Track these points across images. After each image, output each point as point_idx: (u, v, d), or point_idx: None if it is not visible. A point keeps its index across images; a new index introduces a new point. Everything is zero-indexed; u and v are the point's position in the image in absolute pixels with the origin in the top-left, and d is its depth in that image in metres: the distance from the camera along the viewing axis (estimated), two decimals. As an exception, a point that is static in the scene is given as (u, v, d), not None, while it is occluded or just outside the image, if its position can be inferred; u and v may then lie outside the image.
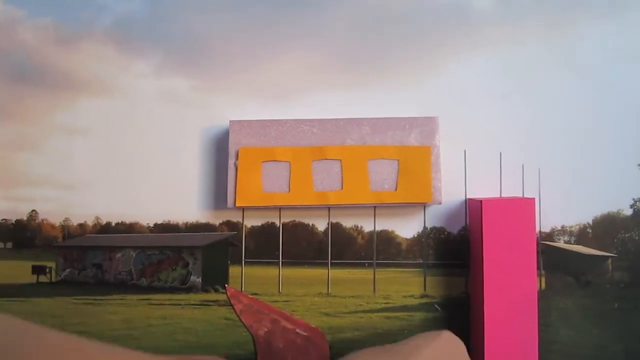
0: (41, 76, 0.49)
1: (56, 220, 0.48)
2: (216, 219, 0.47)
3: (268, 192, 0.44)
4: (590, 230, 0.45)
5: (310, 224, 0.46)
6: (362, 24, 0.47)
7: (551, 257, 0.45)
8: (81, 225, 0.48)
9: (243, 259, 0.46)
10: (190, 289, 0.47)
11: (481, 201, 0.40)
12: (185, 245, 0.47)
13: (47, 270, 0.48)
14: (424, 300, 0.45)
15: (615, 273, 0.45)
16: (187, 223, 0.47)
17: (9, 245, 0.49)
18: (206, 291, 0.47)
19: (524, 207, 0.40)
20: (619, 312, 0.44)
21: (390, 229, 0.46)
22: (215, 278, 0.47)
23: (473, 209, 0.43)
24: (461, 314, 0.45)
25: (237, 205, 0.43)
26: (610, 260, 0.45)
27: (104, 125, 0.48)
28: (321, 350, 0.40)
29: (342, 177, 0.43)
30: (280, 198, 0.43)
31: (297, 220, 0.46)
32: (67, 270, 0.48)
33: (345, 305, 0.46)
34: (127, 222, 0.47)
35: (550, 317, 0.44)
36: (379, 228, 0.46)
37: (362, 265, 0.46)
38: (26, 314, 0.47)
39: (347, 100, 0.47)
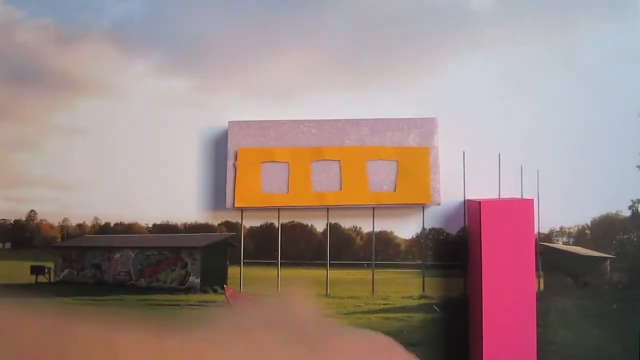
0: (40, 76, 0.48)
1: (55, 220, 0.48)
2: (215, 220, 0.47)
3: (267, 193, 0.44)
4: (589, 232, 0.45)
5: (309, 225, 0.46)
6: (361, 25, 0.47)
7: (550, 258, 0.45)
8: (80, 226, 0.48)
9: (242, 259, 0.46)
10: (189, 290, 0.47)
11: (480, 202, 0.40)
12: (184, 246, 0.47)
13: (46, 270, 0.48)
14: (422, 301, 0.45)
15: (614, 274, 0.45)
16: (185, 224, 0.47)
17: (8, 245, 0.49)
18: (205, 292, 0.47)
19: (522, 208, 0.40)
20: (618, 313, 0.44)
21: (389, 230, 0.46)
22: (214, 279, 0.47)
23: (472, 210, 0.43)
24: (460, 315, 0.45)
25: (235, 205, 0.43)
26: (609, 262, 0.45)
27: (103, 125, 0.48)
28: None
29: (340, 178, 0.43)
30: (279, 199, 0.43)
31: (295, 221, 0.46)
32: (66, 270, 0.48)
33: (344, 306, 0.46)
34: (126, 222, 0.47)
35: (548, 318, 0.44)
36: (377, 229, 0.46)
37: (360, 266, 0.46)
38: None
39: (345, 100, 0.47)
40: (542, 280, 0.45)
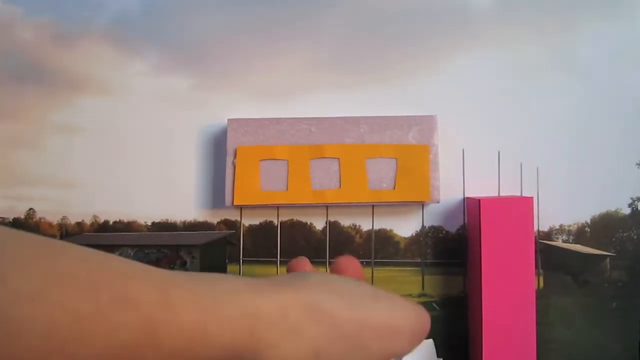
0: (39, 75, 0.48)
1: (54, 218, 0.48)
2: (214, 218, 0.47)
3: (266, 191, 0.43)
4: (588, 230, 0.45)
5: (308, 223, 0.46)
6: (360, 23, 0.47)
7: (549, 256, 0.45)
8: (79, 224, 0.48)
9: (241, 257, 0.46)
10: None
11: (479, 200, 0.40)
12: (183, 244, 0.47)
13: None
14: (422, 299, 0.45)
15: (614, 272, 0.45)
16: (185, 221, 0.47)
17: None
18: (204, 290, 0.47)
19: (522, 206, 0.40)
20: (618, 311, 0.44)
21: (388, 228, 0.46)
22: (213, 277, 0.47)
23: (471, 207, 0.43)
24: (459, 313, 0.45)
25: (235, 203, 0.43)
26: (608, 260, 0.45)
27: (102, 124, 0.48)
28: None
29: (340, 175, 0.43)
30: (278, 196, 0.43)
31: (295, 219, 0.46)
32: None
33: (343, 304, 0.46)
34: (125, 220, 0.47)
35: (548, 316, 0.44)
36: (377, 227, 0.46)
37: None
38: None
39: (345, 98, 0.47)
40: (541, 278, 0.45)
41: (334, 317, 0.23)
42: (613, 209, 0.45)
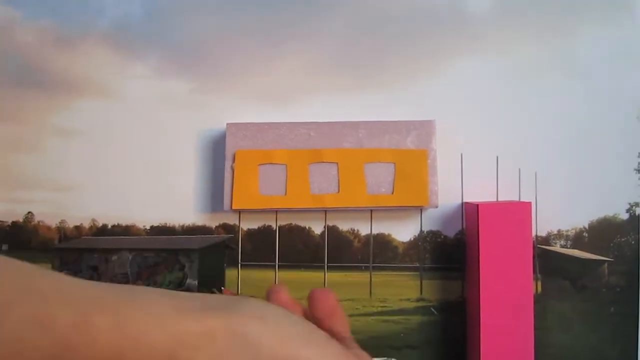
0: (39, 78, 0.48)
1: (52, 222, 0.48)
2: (212, 222, 0.47)
3: (265, 195, 0.44)
4: (586, 235, 0.45)
5: (307, 227, 0.46)
6: (359, 28, 0.47)
7: (547, 261, 0.45)
8: (77, 228, 0.48)
9: (239, 261, 0.46)
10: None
11: (478, 205, 0.40)
12: (181, 248, 0.47)
13: (43, 272, 0.48)
14: (420, 304, 0.45)
15: (612, 277, 0.45)
16: (183, 225, 0.47)
17: (5, 247, 0.48)
18: (202, 294, 0.47)
19: (520, 211, 0.40)
20: (615, 316, 0.44)
21: (386, 233, 0.46)
22: (212, 281, 0.47)
23: (470, 212, 0.43)
24: (458, 318, 0.45)
25: (233, 207, 0.43)
26: (606, 265, 0.45)
27: (101, 127, 0.48)
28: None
29: (338, 180, 0.43)
30: (276, 201, 0.43)
31: (293, 223, 0.46)
32: (63, 272, 0.48)
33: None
34: (124, 224, 0.47)
35: (546, 321, 0.44)
36: (375, 231, 0.46)
37: (358, 269, 0.46)
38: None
39: (344, 103, 0.47)
40: (539, 283, 0.45)
41: (261, 350, 0.23)
42: (611, 214, 0.45)
